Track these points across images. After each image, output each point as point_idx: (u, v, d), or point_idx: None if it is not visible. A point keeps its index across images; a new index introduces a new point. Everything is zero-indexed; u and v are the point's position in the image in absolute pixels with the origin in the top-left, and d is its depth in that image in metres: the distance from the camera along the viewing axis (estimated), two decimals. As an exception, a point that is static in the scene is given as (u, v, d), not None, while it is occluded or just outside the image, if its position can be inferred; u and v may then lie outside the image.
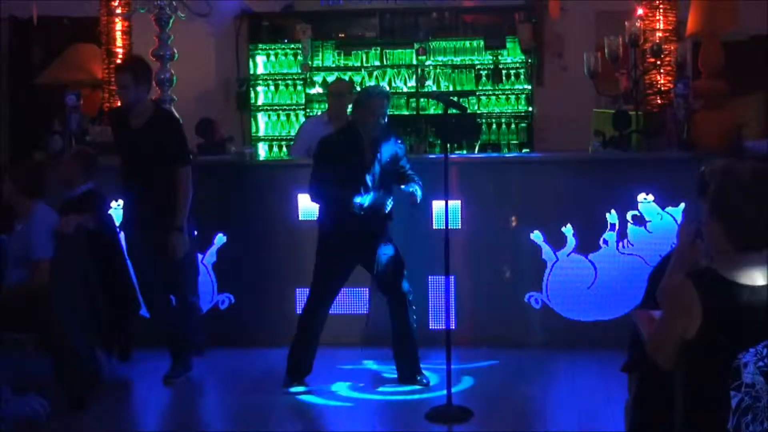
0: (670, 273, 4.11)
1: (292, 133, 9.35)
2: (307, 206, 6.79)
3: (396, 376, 5.88)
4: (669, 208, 6.54)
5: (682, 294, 3.00)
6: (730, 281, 2.96)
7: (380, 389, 5.84)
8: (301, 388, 5.78)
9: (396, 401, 5.66)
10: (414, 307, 5.81)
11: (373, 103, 5.69)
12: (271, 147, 10.30)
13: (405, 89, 10.14)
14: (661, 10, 7.22)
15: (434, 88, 10.08)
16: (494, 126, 10.07)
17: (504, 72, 10.08)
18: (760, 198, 2.96)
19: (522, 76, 10.05)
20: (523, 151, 9.77)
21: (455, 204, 6.61)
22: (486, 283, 6.71)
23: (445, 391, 5.34)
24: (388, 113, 5.78)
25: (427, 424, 5.21)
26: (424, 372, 5.85)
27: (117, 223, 6.67)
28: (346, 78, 9.64)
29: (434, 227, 6.56)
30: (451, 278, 6.57)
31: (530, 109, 10.02)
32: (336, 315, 6.75)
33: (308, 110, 10.21)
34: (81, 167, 6.33)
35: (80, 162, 6.36)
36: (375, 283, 5.89)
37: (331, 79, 10.21)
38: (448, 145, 6.05)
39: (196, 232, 6.22)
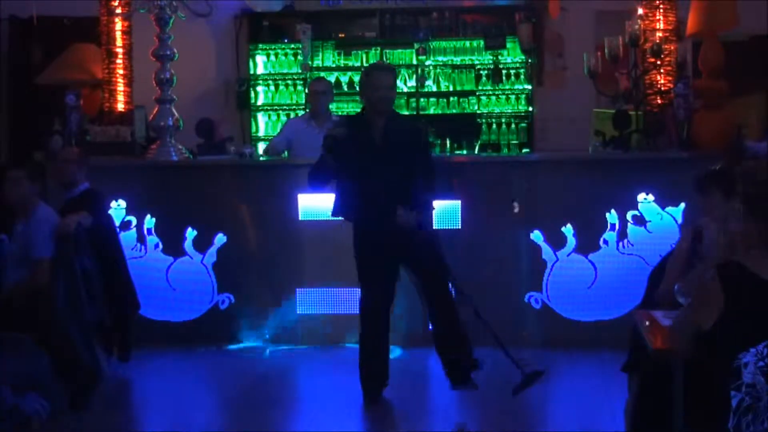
0: (668, 278, 4.13)
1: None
2: (307, 206, 6.81)
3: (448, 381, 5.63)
4: (669, 208, 6.54)
5: (707, 284, 3.10)
6: (755, 276, 3.02)
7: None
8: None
9: (397, 401, 5.66)
10: (458, 308, 5.54)
11: (376, 78, 5.47)
12: (271, 147, 10.29)
13: (405, 89, 10.12)
14: (661, 10, 7.21)
15: (434, 88, 10.09)
16: (494, 126, 10.06)
17: (504, 72, 10.07)
18: None
19: (522, 76, 10.04)
20: (523, 151, 9.77)
21: (455, 204, 6.61)
22: (486, 283, 6.70)
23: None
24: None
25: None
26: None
27: (117, 223, 6.69)
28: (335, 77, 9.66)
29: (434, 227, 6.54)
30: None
31: (530, 109, 10.01)
32: (336, 315, 6.79)
33: (308, 110, 10.19)
34: (78, 167, 6.32)
35: (77, 161, 6.35)
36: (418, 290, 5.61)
37: (330, 78, 10.23)
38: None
39: None
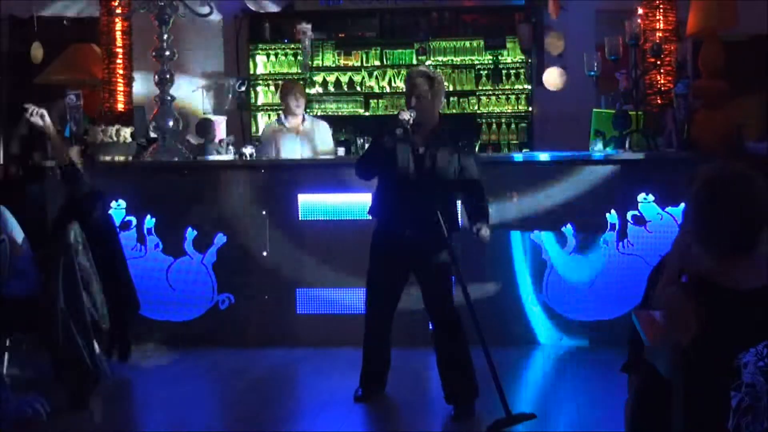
0: (664, 282, 4.11)
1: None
2: (307, 206, 6.81)
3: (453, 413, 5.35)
4: (669, 208, 6.54)
5: (675, 305, 3.01)
6: (720, 287, 2.94)
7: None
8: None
9: (396, 401, 5.66)
10: (464, 333, 5.29)
11: (407, 85, 5.37)
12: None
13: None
14: (661, 10, 7.22)
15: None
16: (494, 126, 10.07)
17: (504, 72, 10.08)
18: (733, 201, 2.93)
19: (522, 76, 10.05)
20: (523, 151, 9.78)
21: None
22: (486, 283, 6.70)
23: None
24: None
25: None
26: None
27: (117, 223, 6.69)
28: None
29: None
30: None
31: (530, 109, 10.02)
32: (336, 315, 6.79)
33: (308, 110, 10.20)
34: (83, 166, 6.31)
35: (83, 161, 6.34)
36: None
37: (330, 78, 10.24)
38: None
39: None
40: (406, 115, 5.17)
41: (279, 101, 10.22)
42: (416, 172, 5.18)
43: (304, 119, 7.69)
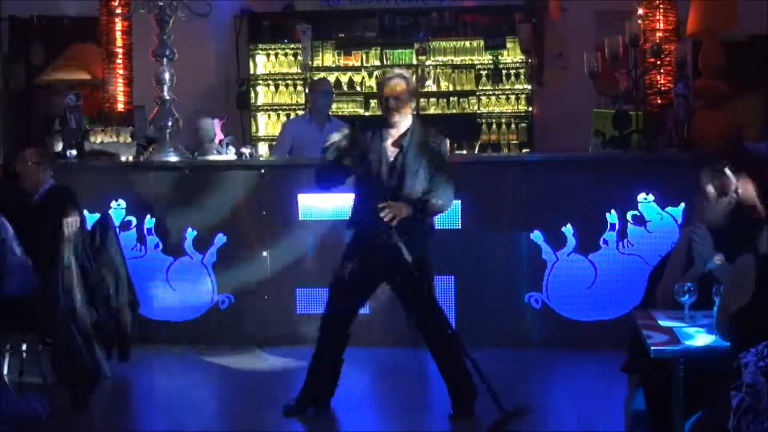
0: (666, 278, 4.12)
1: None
2: (307, 206, 6.81)
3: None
4: (669, 208, 6.54)
5: (742, 267, 3.17)
6: None
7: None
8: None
9: (396, 401, 5.65)
10: (452, 336, 5.21)
11: (380, 87, 5.31)
12: (271, 147, 10.29)
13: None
14: (661, 10, 7.22)
15: (434, 88, 10.10)
16: (494, 126, 10.07)
17: (504, 72, 10.08)
18: None
19: (522, 76, 10.05)
20: (523, 151, 9.78)
21: (455, 204, 6.60)
22: (486, 283, 6.70)
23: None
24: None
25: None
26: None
27: (117, 223, 6.69)
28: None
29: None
30: (452, 278, 6.62)
31: (530, 109, 10.02)
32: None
33: (308, 110, 10.20)
34: (43, 167, 6.21)
35: (41, 162, 6.23)
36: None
37: (330, 78, 10.22)
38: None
39: None
40: (337, 137, 5.19)
41: (281, 100, 10.34)
42: (388, 176, 5.11)
43: (329, 119, 7.67)
